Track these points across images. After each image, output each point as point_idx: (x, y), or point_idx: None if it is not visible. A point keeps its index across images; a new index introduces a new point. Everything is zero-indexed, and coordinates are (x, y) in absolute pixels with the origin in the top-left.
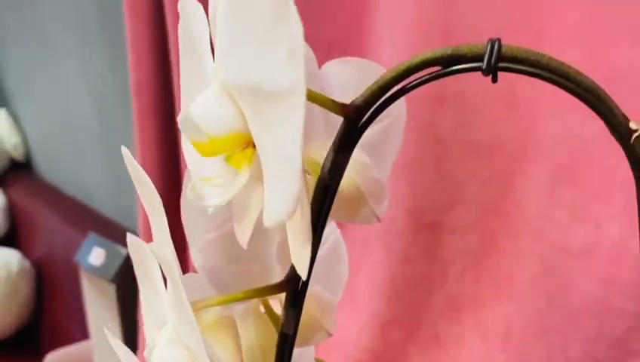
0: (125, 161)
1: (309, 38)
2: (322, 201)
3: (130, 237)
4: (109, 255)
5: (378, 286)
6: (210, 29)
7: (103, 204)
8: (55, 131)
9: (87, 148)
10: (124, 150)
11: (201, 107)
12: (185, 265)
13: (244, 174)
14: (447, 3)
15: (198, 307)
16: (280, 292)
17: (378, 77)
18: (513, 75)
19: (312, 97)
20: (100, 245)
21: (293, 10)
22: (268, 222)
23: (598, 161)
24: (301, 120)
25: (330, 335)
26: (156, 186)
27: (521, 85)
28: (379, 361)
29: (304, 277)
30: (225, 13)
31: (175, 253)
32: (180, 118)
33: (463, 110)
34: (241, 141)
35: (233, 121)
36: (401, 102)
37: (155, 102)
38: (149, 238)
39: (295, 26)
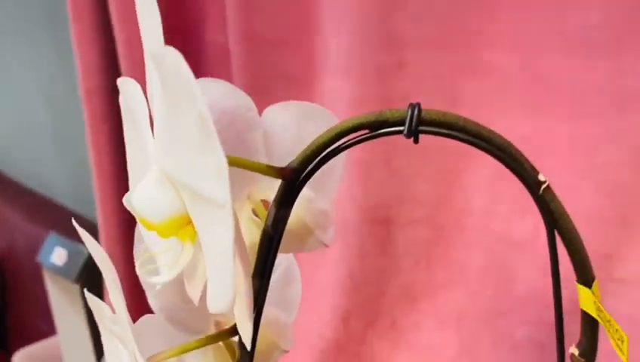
0: (83, 239)
1: (259, 36)
2: (267, 251)
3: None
4: (72, 254)
5: (338, 280)
6: (149, 106)
7: (61, 195)
8: (8, 126)
9: (41, 142)
10: (76, 225)
11: (142, 196)
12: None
13: (189, 251)
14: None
15: (156, 360)
16: (233, 336)
17: (316, 114)
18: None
19: (249, 165)
20: (62, 245)
21: (217, 143)
22: (212, 309)
23: (537, 158)
24: (231, 230)
25: (286, 352)
26: (112, 193)
27: (464, 83)
28: (341, 349)
29: (248, 347)
30: (161, 114)
31: (132, 329)
32: (125, 202)
33: None
34: (183, 221)
35: (173, 207)
36: None
37: (106, 106)
38: (108, 228)
39: (219, 155)
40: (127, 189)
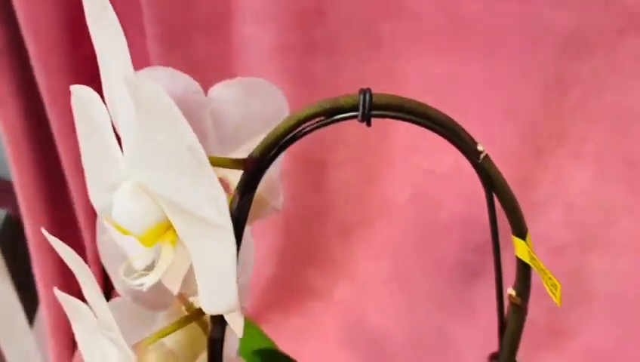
0: (52, 244)
1: (176, 21)
2: (237, 233)
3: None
4: None
5: (273, 221)
6: (110, 115)
7: None
8: None
9: None
10: (45, 233)
11: (122, 210)
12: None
13: (170, 254)
14: None
15: (140, 347)
16: (203, 315)
17: (259, 89)
18: None
19: (214, 161)
20: None
21: (210, 172)
22: (209, 310)
23: (455, 97)
24: (233, 248)
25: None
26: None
27: (384, 26)
28: (283, 285)
29: (240, 335)
30: (137, 135)
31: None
32: (100, 214)
33: (333, 54)
34: (163, 228)
35: (153, 217)
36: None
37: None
38: (25, 189)
39: (214, 183)
40: (39, 144)
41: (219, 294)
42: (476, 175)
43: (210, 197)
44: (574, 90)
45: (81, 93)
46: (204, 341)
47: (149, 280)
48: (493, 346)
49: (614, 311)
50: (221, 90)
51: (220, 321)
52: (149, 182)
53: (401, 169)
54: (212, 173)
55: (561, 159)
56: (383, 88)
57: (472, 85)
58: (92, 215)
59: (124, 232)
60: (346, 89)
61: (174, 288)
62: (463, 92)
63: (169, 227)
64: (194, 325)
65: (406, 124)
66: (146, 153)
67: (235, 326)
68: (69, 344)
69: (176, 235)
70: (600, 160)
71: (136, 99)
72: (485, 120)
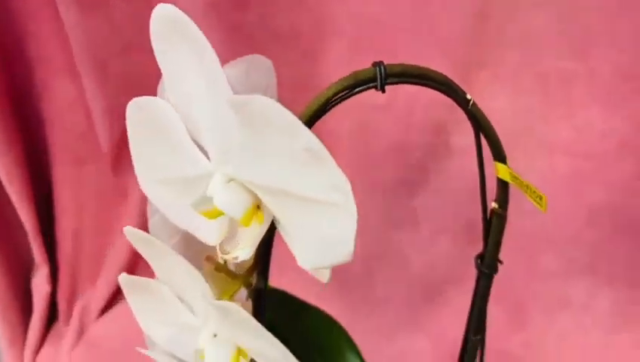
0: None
1: None
2: None
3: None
4: None
5: None
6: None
7: None
8: None
9: None
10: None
11: (223, 200)
12: None
13: (259, 231)
14: None
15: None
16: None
17: (258, 64)
18: None
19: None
20: None
21: (333, 163)
22: (315, 266)
23: (388, 32)
24: (354, 222)
25: None
26: None
27: None
28: None
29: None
30: (239, 141)
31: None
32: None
33: (263, 6)
34: (254, 211)
35: (248, 202)
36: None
37: None
38: None
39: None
40: None
41: (332, 254)
42: (411, 102)
43: (336, 184)
44: (491, 20)
45: (150, 105)
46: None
47: (243, 254)
48: (437, 252)
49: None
50: (228, 71)
51: (263, 276)
52: (249, 178)
53: (341, 104)
54: (334, 165)
55: (482, 82)
56: (315, 34)
57: (402, 23)
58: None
59: (214, 216)
60: (278, 38)
61: (234, 253)
62: (395, 30)
63: (257, 210)
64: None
65: (338, 57)
66: (253, 155)
67: (324, 275)
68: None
69: (264, 216)
70: (516, 77)
71: (245, 113)
72: (417, 55)
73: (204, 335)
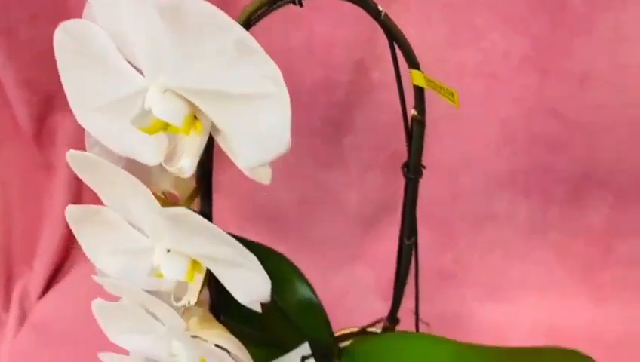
0: None
1: None
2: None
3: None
4: None
5: None
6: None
7: None
8: None
9: None
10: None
11: (161, 108)
12: None
13: (199, 141)
14: None
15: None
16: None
17: None
18: None
19: None
20: None
21: (264, 53)
22: (254, 163)
23: None
24: (289, 108)
25: None
26: None
27: None
28: None
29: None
30: (167, 46)
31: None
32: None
33: None
34: (192, 119)
35: (185, 109)
36: None
37: None
38: None
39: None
40: None
41: (270, 146)
42: (329, 42)
43: (268, 74)
44: None
45: (79, 28)
46: None
47: (187, 164)
48: (368, 188)
49: (456, 127)
50: None
51: (207, 199)
52: (181, 81)
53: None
54: (265, 55)
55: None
56: None
57: None
58: None
59: (154, 129)
60: None
61: (184, 168)
62: None
63: (195, 120)
64: None
65: None
66: (185, 60)
67: (265, 175)
68: None
69: (202, 126)
70: (424, 8)
71: (175, 17)
72: None
73: (157, 252)
